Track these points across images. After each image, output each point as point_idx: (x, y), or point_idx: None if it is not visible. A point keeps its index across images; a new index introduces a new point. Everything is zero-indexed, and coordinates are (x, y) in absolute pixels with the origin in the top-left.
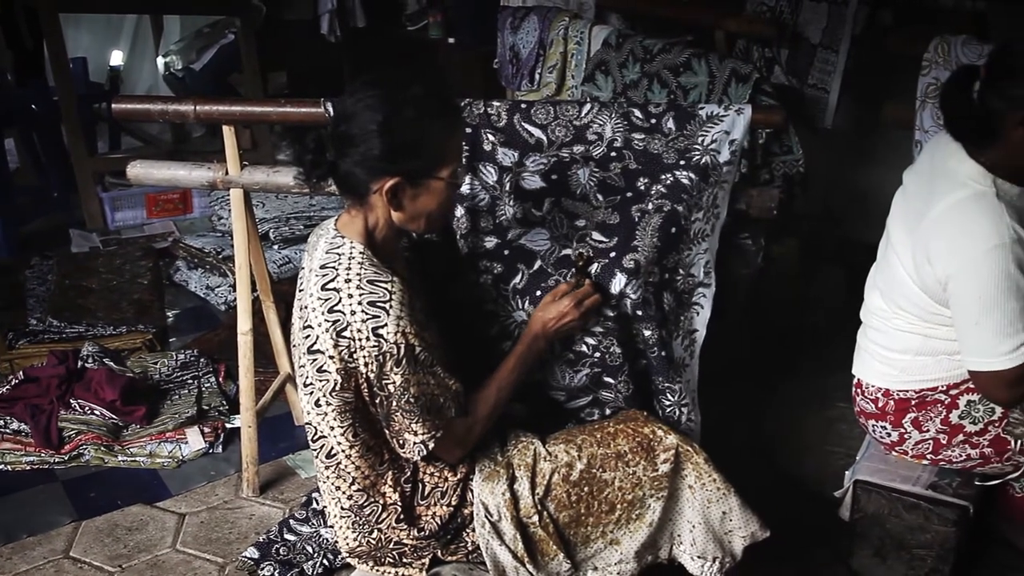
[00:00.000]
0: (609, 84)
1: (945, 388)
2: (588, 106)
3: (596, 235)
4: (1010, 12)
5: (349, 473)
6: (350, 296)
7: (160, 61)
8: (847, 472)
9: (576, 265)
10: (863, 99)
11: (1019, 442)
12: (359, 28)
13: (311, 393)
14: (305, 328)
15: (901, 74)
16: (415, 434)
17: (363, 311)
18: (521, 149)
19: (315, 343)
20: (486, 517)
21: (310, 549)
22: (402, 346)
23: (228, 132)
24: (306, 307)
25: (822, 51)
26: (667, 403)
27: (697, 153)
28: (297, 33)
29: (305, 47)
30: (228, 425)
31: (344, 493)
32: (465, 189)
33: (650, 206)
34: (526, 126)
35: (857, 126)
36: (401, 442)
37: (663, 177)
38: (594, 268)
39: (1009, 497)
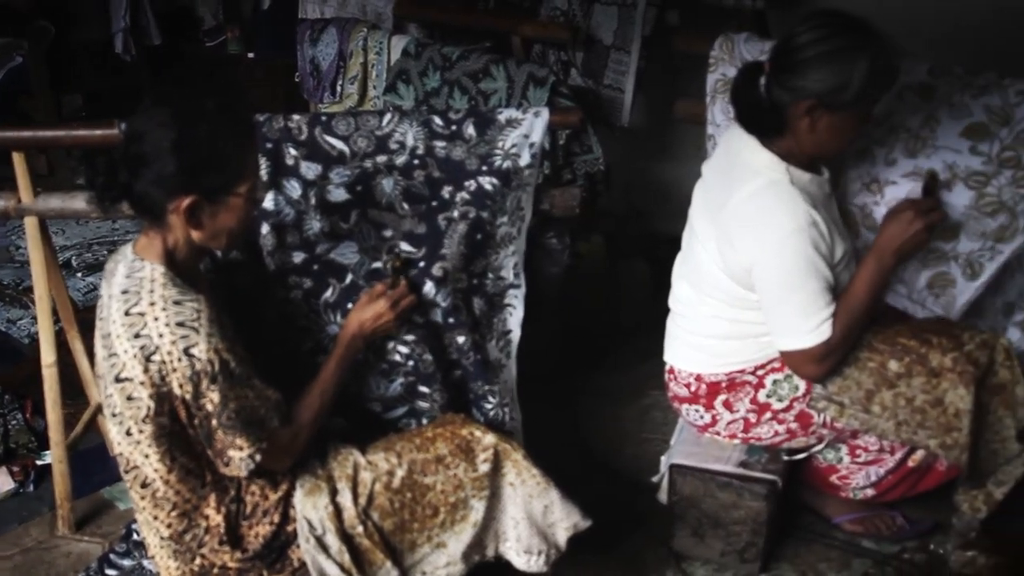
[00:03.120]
0: (411, 93)
1: (752, 369)
2: (389, 116)
3: (404, 245)
4: (787, 10)
5: (168, 500)
6: (156, 319)
7: None
8: (663, 457)
9: (393, 266)
10: (657, 97)
11: (822, 415)
12: (155, 46)
13: (120, 423)
14: (110, 356)
15: (691, 72)
16: (240, 449)
17: (171, 332)
18: (324, 162)
19: (122, 371)
20: (310, 532)
21: None
22: (216, 363)
23: (18, 159)
24: (109, 335)
25: (615, 52)
26: (489, 406)
27: (498, 158)
28: (91, 54)
29: (100, 68)
30: (38, 462)
31: (162, 521)
32: (269, 205)
33: (456, 214)
34: (328, 138)
35: (653, 123)
36: (226, 460)
37: (467, 184)
38: (412, 271)
39: (815, 468)
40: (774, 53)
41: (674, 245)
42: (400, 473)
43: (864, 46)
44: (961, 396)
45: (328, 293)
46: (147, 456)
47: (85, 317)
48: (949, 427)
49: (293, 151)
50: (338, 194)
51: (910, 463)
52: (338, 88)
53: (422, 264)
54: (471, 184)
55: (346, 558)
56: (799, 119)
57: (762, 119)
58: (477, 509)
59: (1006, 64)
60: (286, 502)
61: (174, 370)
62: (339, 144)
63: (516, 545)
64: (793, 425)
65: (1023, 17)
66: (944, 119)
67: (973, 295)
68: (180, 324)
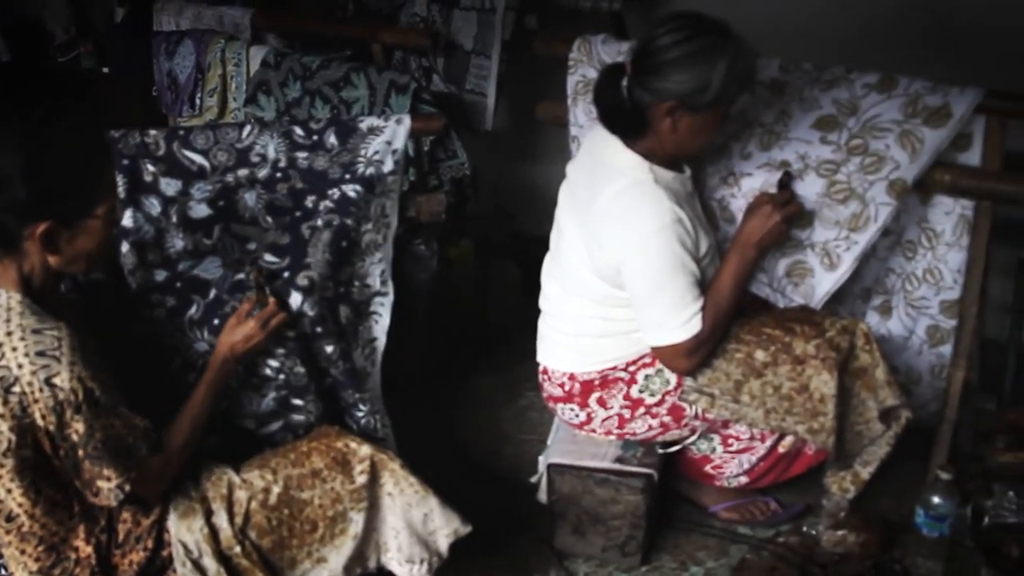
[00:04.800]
0: (272, 104)
1: (624, 366)
2: (248, 127)
3: (268, 256)
4: (643, 11)
5: (34, 534)
6: (15, 349)
7: None
8: (540, 457)
9: (257, 285)
10: (520, 100)
11: (694, 407)
12: (3, 63)
13: None
14: None
15: (552, 74)
16: (108, 480)
17: (31, 362)
18: (184, 177)
19: None
20: (186, 556)
21: None
22: (80, 392)
23: None
24: None
25: (476, 57)
26: (360, 415)
27: (361, 165)
28: None
29: None
30: None
31: (30, 555)
32: (128, 223)
33: (320, 222)
34: (187, 153)
35: (517, 126)
36: (95, 491)
37: (330, 193)
38: (277, 282)
39: (689, 459)
40: (634, 55)
41: (543, 246)
42: (276, 490)
43: (722, 48)
44: (825, 381)
45: (192, 310)
46: (10, 491)
47: None
48: (815, 412)
49: (151, 167)
50: (200, 210)
51: (780, 449)
52: (197, 101)
53: (286, 275)
54: (334, 192)
55: None
56: (661, 120)
57: (624, 120)
58: (356, 521)
59: (852, 58)
60: (160, 527)
61: (35, 401)
62: (199, 158)
63: (398, 555)
64: (666, 418)
65: (868, 12)
66: (795, 113)
67: (833, 287)
68: (40, 353)
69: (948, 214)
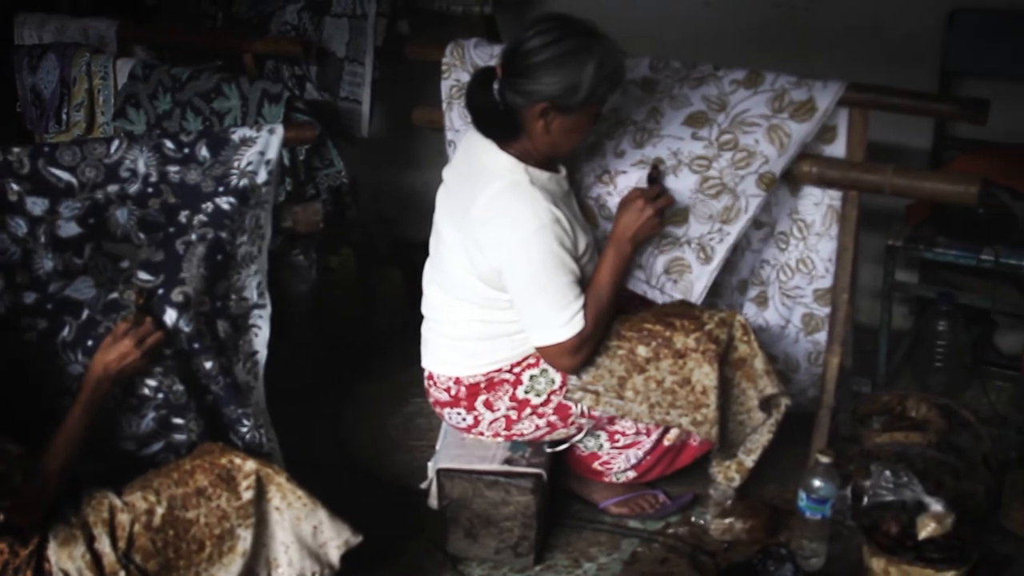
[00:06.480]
0: (142, 117)
1: (509, 367)
2: (117, 142)
3: (142, 274)
4: (515, 14)
5: None
6: None
7: None
8: (430, 463)
9: (136, 303)
10: (396, 106)
11: (579, 405)
12: None
13: None
14: None
15: (427, 79)
16: None
17: None
18: (51, 196)
19: None
20: None
21: None
22: None
23: None
24: None
25: (349, 64)
26: (245, 430)
27: (235, 177)
28: None
29: None
30: None
31: None
32: None
33: (194, 236)
34: (53, 170)
35: (395, 132)
36: None
37: (204, 207)
38: (152, 300)
39: (577, 457)
40: (505, 58)
41: (426, 251)
42: (160, 511)
43: (591, 48)
44: (706, 374)
45: (65, 332)
46: None
47: None
48: (698, 404)
49: (15, 186)
50: (69, 228)
51: (666, 442)
52: (64, 117)
53: (161, 291)
54: (208, 206)
55: None
56: (534, 121)
57: (498, 123)
58: (244, 538)
59: (719, 55)
60: (39, 556)
61: None
62: (66, 175)
63: (288, 570)
64: (553, 418)
65: (731, 10)
66: (667, 110)
67: (709, 279)
68: None
69: (817, 205)
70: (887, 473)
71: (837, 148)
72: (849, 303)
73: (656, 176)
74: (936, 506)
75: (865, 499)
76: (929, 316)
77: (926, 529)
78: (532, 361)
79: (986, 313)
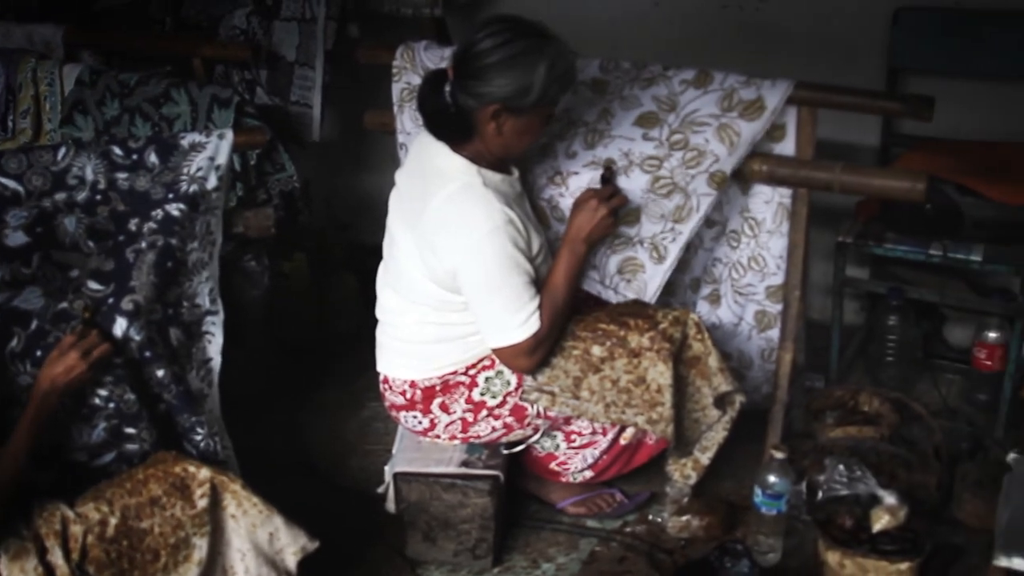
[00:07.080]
0: (89, 123)
1: (464, 370)
2: (64, 149)
3: (92, 284)
4: (465, 16)
5: None
6: None
7: None
8: (386, 467)
9: (83, 317)
10: (348, 110)
11: (535, 406)
12: None
13: None
14: None
15: (378, 82)
16: None
17: None
18: None
19: None
20: None
21: None
22: None
23: None
24: None
25: (299, 68)
26: (199, 438)
27: (184, 183)
28: None
29: None
30: None
31: None
32: None
33: (144, 244)
34: None
35: (347, 136)
36: None
37: (153, 214)
38: (102, 309)
39: (534, 458)
40: (456, 60)
41: (380, 255)
42: (113, 521)
43: (542, 50)
44: (661, 372)
45: (13, 343)
46: None
47: None
48: (653, 403)
49: None
50: (16, 238)
51: (622, 441)
52: (9, 124)
53: (111, 300)
54: (158, 213)
55: None
56: (485, 123)
57: (450, 125)
58: (200, 547)
59: (668, 56)
60: None
61: None
62: (12, 184)
63: None
64: (509, 419)
65: (679, 11)
66: (617, 111)
67: (663, 279)
68: None
69: (768, 203)
70: (841, 467)
71: (787, 146)
72: (801, 300)
73: (609, 176)
74: (889, 499)
75: (819, 493)
76: (880, 311)
77: (880, 522)
78: (487, 363)
79: (935, 307)
